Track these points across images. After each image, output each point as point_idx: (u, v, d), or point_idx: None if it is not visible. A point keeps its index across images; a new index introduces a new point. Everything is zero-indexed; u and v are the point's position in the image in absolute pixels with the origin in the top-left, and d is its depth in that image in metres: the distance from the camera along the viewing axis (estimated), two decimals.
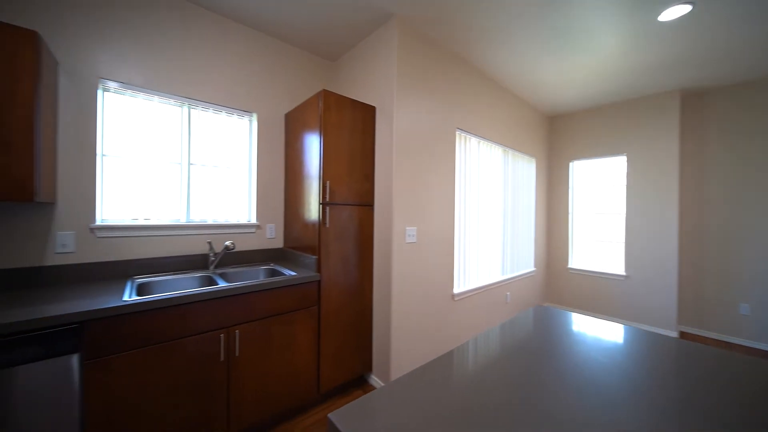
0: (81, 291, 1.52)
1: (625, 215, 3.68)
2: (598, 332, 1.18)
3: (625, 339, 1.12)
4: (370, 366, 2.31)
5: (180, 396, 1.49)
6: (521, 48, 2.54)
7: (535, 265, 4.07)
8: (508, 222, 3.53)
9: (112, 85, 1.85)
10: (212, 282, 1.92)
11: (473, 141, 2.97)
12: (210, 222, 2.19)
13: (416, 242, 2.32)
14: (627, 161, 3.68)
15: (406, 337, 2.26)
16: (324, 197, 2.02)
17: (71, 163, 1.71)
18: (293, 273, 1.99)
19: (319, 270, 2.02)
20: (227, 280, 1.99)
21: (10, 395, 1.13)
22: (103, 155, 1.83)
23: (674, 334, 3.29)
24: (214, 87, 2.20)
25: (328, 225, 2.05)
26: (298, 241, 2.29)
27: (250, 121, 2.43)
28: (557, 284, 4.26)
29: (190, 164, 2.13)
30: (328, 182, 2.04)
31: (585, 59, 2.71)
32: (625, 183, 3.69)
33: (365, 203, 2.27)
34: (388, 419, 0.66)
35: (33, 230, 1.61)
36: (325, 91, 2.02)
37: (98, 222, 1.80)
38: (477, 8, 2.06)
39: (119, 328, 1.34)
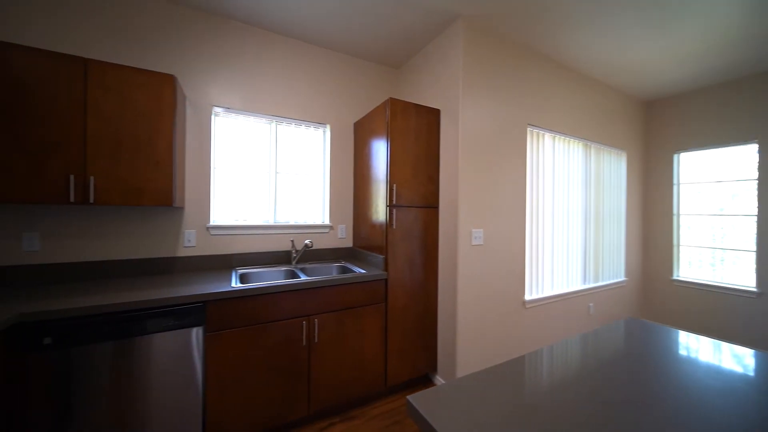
0: (201, 277, 1.90)
1: (756, 217, 2.95)
2: (713, 354, 1.00)
3: (757, 367, 0.93)
4: (434, 366, 2.33)
5: (272, 372, 1.74)
6: (610, 27, 2.26)
7: (627, 275, 3.53)
8: (590, 225, 3.15)
9: (220, 110, 2.26)
10: (295, 275, 2.18)
11: (547, 137, 2.75)
12: (292, 223, 2.49)
13: (483, 245, 2.25)
14: (759, 150, 2.94)
15: (473, 340, 2.21)
16: (391, 200, 2.13)
17: (194, 175, 2.15)
18: (363, 271, 2.13)
19: (386, 269, 2.13)
20: (307, 275, 2.23)
21: (150, 356, 1.48)
22: (213, 168, 2.25)
23: None
24: (294, 104, 2.50)
25: (394, 226, 2.14)
26: (367, 241, 2.44)
27: (324, 131, 2.68)
28: (657, 298, 3.62)
29: (276, 172, 2.46)
30: (394, 185, 2.13)
31: (696, 30, 2.27)
32: (757, 177, 2.95)
33: (430, 205, 2.31)
34: (462, 408, 0.69)
35: (169, 229, 2.07)
36: (391, 99, 2.12)
37: (211, 222, 2.21)
38: None
39: (229, 309, 1.63)
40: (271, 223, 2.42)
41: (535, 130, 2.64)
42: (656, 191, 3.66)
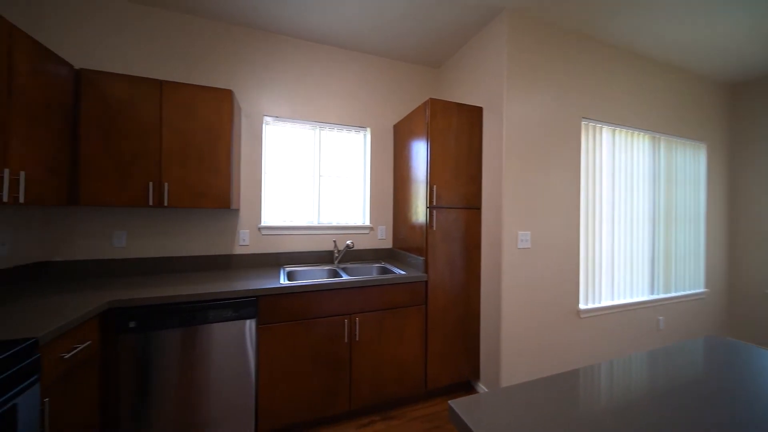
0: (254, 273, 2.07)
1: None
2: None
3: None
4: (477, 373, 2.25)
5: (316, 365, 1.82)
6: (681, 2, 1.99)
7: (707, 285, 3.06)
8: (659, 227, 2.80)
9: (270, 119, 2.43)
10: (337, 274, 2.26)
11: (605, 130, 2.50)
12: (334, 224, 2.59)
13: (530, 248, 2.12)
14: None
15: (519, 349, 2.09)
16: (431, 201, 2.10)
17: (247, 179, 2.34)
18: (403, 272, 2.14)
19: (426, 270, 2.11)
20: (348, 274, 2.30)
21: (210, 343, 1.64)
22: (264, 172, 2.43)
23: None
24: (335, 110, 2.60)
25: (434, 228, 2.11)
26: (406, 242, 2.44)
27: (365, 135, 2.75)
28: (746, 313, 3.08)
29: (320, 175, 2.58)
30: (434, 186, 2.10)
31: None
32: None
33: (472, 206, 2.23)
34: (507, 419, 0.66)
35: (227, 229, 2.28)
36: (432, 99, 2.10)
37: (262, 223, 2.39)
38: None
39: (278, 304, 1.75)
40: (315, 224, 2.54)
41: (591, 124, 2.41)
42: (748, 188, 3.12)
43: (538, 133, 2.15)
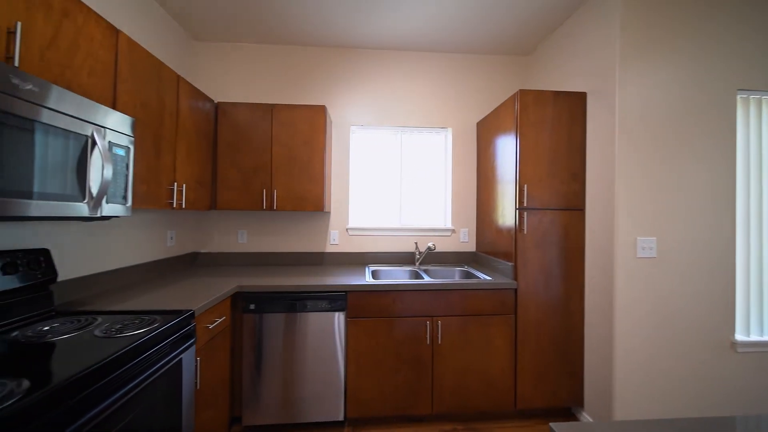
0: (343, 270, 2.25)
1: None
2: None
3: None
4: (580, 400, 1.94)
5: (398, 362, 1.87)
6: None
7: None
8: None
9: (356, 128, 2.62)
10: (418, 276, 2.28)
11: None
12: (416, 226, 2.62)
13: (656, 257, 1.72)
14: None
15: (640, 380, 1.72)
16: (521, 201, 1.92)
17: (337, 184, 2.58)
18: (488, 278, 2.01)
19: (515, 278, 1.93)
20: (430, 276, 2.29)
21: (307, 329, 1.84)
22: (351, 177, 2.63)
23: None
24: (416, 113, 2.63)
25: (525, 231, 1.93)
26: (491, 246, 2.29)
27: (446, 135, 2.70)
28: None
29: (401, 178, 2.65)
30: (525, 186, 1.92)
31: None
32: None
33: (572, 207, 1.95)
34: None
35: (320, 229, 2.56)
36: (521, 91, 1.92)
37: (350, 225, 2.59)
38: None
39: (365, 300, 1.87)
40: (397, 225, 2.61)
41: (754, 96, 1.82)
42: None
43: (666, 114, 1.74)
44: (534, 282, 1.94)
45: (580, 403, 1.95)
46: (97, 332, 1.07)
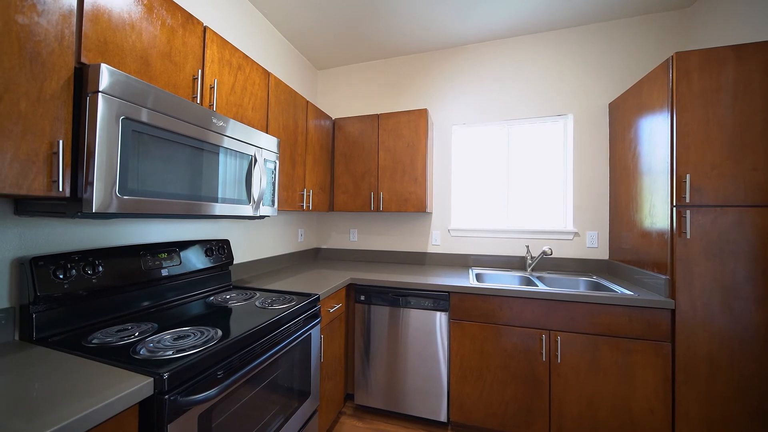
0: (445, 271, 2.24)
1: None
2: None
3: None
4: None
5: (507, 375, 1.72)
6: None
7: None
8: None
9: (457, 127, 2.56)
10: (530, 283, 2.04)
11: None
12: (527, 228, 2.35)
13: None
14: None
15: None
16: (680, 197, 1.48)
17: (438, 184, 2.58)
18: (628, 292, 1.63)
19: (672, 295, 1.50)
20: (545, 284, 2.02)
21: (409, 325, 1.89)
22: (453, 177, 2.58)
23: None
24: (527, 101, 2.37)
25: (689, 235, 1.47)
26: (632, 254, 1.84)
27: (565, 123, 2.33)
28: None
29: (509, 175, 2.44)
30: (687, 175, 1.47)
31: None
32: None
33: None
34: None
35: (422, 230, 2.61)
36: (678, 54, 1.49)
37: (452, 225, 2.55)
38: None
39: (468, 303, 1.80)
40: (503, 227, 2.41)
41: None
42: None
43: None
44: (705, 303, 1.45)
45: None
46: (257, 303, 1.40)
